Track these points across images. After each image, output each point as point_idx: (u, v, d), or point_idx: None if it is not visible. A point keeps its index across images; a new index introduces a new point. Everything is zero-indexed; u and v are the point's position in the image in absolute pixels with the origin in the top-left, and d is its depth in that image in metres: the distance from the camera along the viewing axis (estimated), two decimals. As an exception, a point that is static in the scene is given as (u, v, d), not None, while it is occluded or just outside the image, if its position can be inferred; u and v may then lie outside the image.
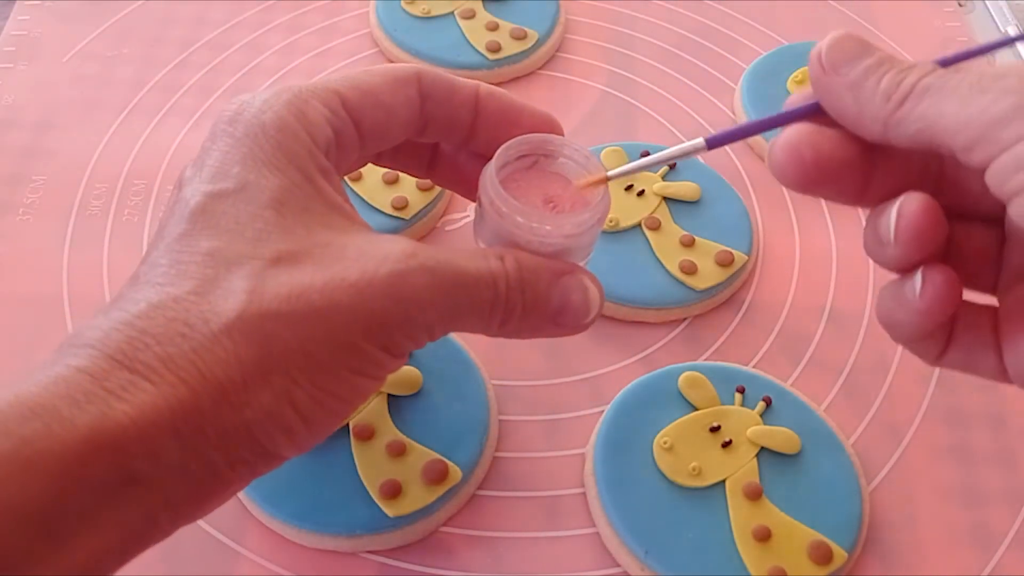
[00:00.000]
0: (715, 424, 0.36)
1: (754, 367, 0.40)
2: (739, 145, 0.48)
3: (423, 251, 0.27)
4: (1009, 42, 0.28)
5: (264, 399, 0.24)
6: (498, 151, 0.29)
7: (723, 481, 0.35)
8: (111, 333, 0.24)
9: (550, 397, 0.39)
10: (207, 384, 0.24)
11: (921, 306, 0.26)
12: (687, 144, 0.28)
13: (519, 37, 0.50)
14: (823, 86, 0.27)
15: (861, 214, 0.46)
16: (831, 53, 0.26)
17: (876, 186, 0.27)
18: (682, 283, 0.41)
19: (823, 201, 0.46)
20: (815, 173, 0.26)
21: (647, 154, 0.45)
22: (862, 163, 0.26)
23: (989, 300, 0.27)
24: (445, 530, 0.35)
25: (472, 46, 0.50)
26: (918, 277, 0.26)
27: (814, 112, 0.27)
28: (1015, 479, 0.37)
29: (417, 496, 0.34)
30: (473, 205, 0.45)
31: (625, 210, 0.43)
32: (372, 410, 0.36)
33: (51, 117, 0.47)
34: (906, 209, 0.25)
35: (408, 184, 0.43)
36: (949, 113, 0.24)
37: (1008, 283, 0.27)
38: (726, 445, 0.36)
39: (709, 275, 0.41)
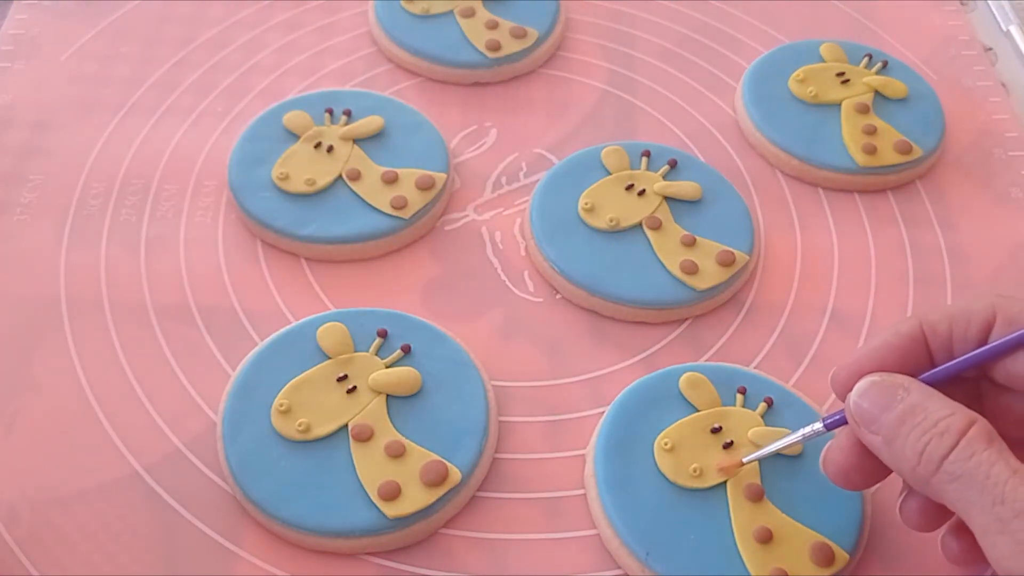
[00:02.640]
0: (716, 425, 0.36)
1: (755, 368, 0.40)
2: (740, 144, 0.48)
3: None
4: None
5: None
6: None
7: (724, 482, 0.35)
8: None
9: (550, 398, 0.39)
10: None
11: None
12: (807, 429, 0.33)
13: (519, 35, 0.50)
14: (860, 437, 0.30)
15: (863, 213, 0.46)
16: (859, 412, 0.29)
17: None
18: (683, 283, 0.41)
19: (825, 201, 0.46)
20: (857, 486, 0.31)
21: (648, 154, 0.45)
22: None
23: None
24: (445, 532, 0.35)
25: (472, 44, 0.49)
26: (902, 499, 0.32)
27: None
28: (1018, 480, 0.37)
29: (416, 497, 0.34)
30: (473, 204, 0.45)
31: (626, 210, 0.43)
32: (371, 411, 0.36)
33: (48, 116, 0.47)
34: None
35: (408, 183, 0.43)
36: (976, 516, 0.26)
37: None
38: (727, 446, 0.36)
39: (710, 275, 0.41)
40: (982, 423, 0.27)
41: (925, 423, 0.28)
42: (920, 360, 0.31)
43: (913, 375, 0.30)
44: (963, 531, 0.32)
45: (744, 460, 0.35)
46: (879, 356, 0.31)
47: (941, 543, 0.33)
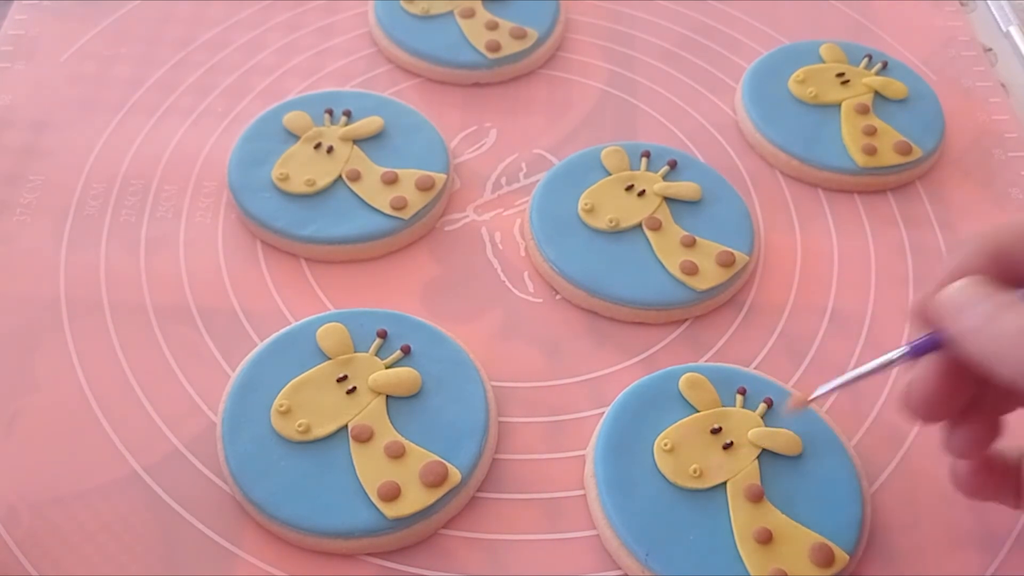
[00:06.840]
0: (716, 426, 0.36)
1: (755, 368, 0.40)
2: (740, 144, 0.48)
3: None
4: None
5: None
6: None
7: (724, 483, 0.35)
8: None
9: (550, 399, 0.39)
10: None
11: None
12: (892, 353, 0.31)
13: (519, 36, 0.50)
14: (950, 327, 0.29)
15: (863, 214, 0.46)
16: (953, 304, 0.28)
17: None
18: (683, 284, 0.41)
19: (824, 200, 0.46)
20: (937, 416, 0.31)
21: (647, 154, 0.45)
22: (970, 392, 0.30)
23: None
24: (444, 532, 0.35)
25: (471, 45, 0.50)
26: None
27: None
28: (1018, 481, 0.37)
29: (416, 498, 0.34)
30: (473, 205, 0.45)
31: (626, 210, 0.43)
32: (371, 411, 0.36)
33: (48, 117, 0.47)
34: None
35: (407, 184, 0.43)
36: None
37: None
38: (727, 447, 0.36)
39: (710, 275, 0.41)
40: None
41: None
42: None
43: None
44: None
45: (813, 395, 0.33)
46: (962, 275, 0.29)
47: (950, 470, 0.34)
